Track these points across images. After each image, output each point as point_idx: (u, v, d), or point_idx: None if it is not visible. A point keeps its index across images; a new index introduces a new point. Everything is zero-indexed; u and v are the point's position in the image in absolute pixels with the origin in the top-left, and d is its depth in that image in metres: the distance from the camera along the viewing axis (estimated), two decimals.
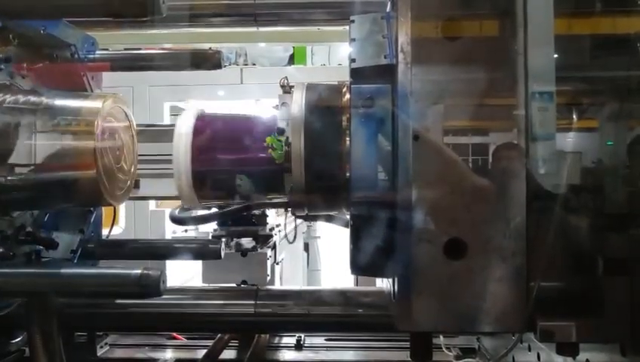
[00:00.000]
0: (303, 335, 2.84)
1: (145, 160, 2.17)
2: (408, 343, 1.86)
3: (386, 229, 1.72)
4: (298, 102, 2.01)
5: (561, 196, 1.58)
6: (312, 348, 2.80)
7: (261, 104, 5.29)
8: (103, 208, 2.44)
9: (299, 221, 3.53)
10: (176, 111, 5.62)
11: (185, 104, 5.42)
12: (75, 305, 2.27)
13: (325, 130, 1.97)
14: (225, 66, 2.51)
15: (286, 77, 2.16)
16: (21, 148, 1.76)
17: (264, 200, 2.27)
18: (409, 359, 1.88)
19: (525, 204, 1.57)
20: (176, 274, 3.75)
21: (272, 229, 2.89)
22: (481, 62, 1.62)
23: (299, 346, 2.79)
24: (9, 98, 1.80)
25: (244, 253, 2.71)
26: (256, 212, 2.73)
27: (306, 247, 5.73)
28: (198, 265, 2.83)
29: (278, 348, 2.82)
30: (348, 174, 1.85)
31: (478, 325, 1.62)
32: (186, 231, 3.66)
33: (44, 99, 1.83)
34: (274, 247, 2.92)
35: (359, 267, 1.84)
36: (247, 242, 2.76)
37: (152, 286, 1.60)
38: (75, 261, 2.18)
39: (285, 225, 2.92)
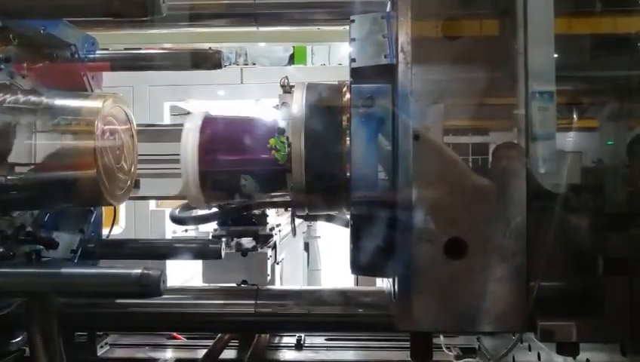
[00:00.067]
0: (303, 335, 2.84)
1: (145, 160, 2.16)
2: (408, 343, 1.86)
3: (386, 229, 1.72)
4: (298, 102, 2.01)
5: (561, 196, 1.58)
6: (312, 347, 2.80)
7: (261, 104, 5.30)
8: (103, 208, 2.45)
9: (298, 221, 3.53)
10: (176, 111, 5.63)
11: (185, 104, 5.43)
12: (75, 305, 2.27)
13: (325, 130, 1.97)
14: (225, 66, 2.50)
15: (286, 77, 2.16)
16: (21, 148, 1.76)
17: (265, 199, 2.28)
18: (409, 359, 1.88)
19: (525, 204, 1.57)
20: (176, 274, 3.75)
21: (272, 229, 2.89)
22: (482, 61, 1.62)
23: (299, 346, 2.79)
24: (9, 98, 1.80)
25: (244, 252, 2.71)
26: (257, 212, 2.74)
27: (306, 247, 5.73)
28: (198, 264, 2.83)
29: (278, 347, 2.82)
30: (348, 174, 1.85)
31: (479, 325, 1.62)
32: (186, 231, 3.67)
33: (44, 99, 1.83)
34: (274, 247, 2.92)
35: (359, 267, 1.84)
36: (247, 242, 2.76)
37: (152, 286, 1.60)
38: (75, 261, 2.18)
39: (290, 223, 2.92)
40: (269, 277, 2.78)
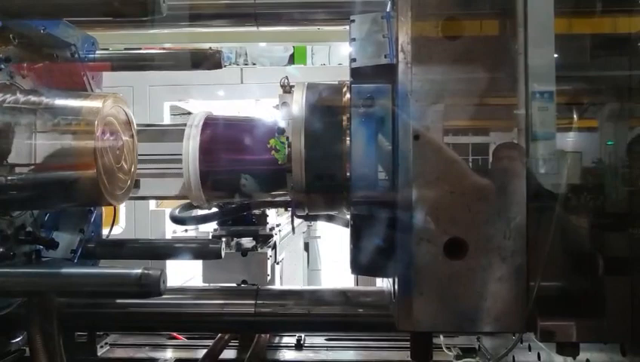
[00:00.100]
0: (303, 335, 2.84)
1: (145, 160, 2.16)
2: (408, 343, 1.86)
3: (386, 229, 1.72)
4: (298, 101, 2.01)
5: (561, 196, 1.58)
6: (312, 347, 2.80)
7: (261, 104, 5.30)
8: (103, 208, 2.45)
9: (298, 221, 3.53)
10: (176, 111, 5.62)
11: (185, 104, 5.42)
12: (75, 305, 2.27)
13: (325, 130, 1.97)
14: (225, 66, 2.50)
15: (286, 76, 2.16)
16: (21, 148, 1.76)
17: (265, 199, 2.29)
18: (409, 359, 1.88)
19: (525, 204, 1.57)
20: (176, 274, 3.75)
21: (272, 229, 2.89)
22: (482, 61, 1.62)
23: (299, 346, 2.79)
24: (9, 98, 1.80)
25: (244, 252, 2.71)
26: (257, 212, 2.74)
27: (306, 247, 5.74)
28: (198, 264, 2.83)
29: (278, 347, 2.82)
30: (348, 174, 1.85)
31: (479, 325, 1.62)
32: (186, 230, 3.67)
33: (45, 99, 1.83)
34: (274, 247, 2.92)
35: (360, 267, 1.85)
36: (247, 242, 2.76)
37: (153, 285, 1.61)
38: (76, 261, 2.18)
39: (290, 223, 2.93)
40: (269, 277, 2.78)
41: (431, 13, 1.64)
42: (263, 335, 2.74)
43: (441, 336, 2.62)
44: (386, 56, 1.79)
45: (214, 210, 2.52)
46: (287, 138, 2.01)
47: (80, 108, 1.82)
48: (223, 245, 2.33)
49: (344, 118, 1.95)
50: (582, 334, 1.56)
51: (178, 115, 5.75)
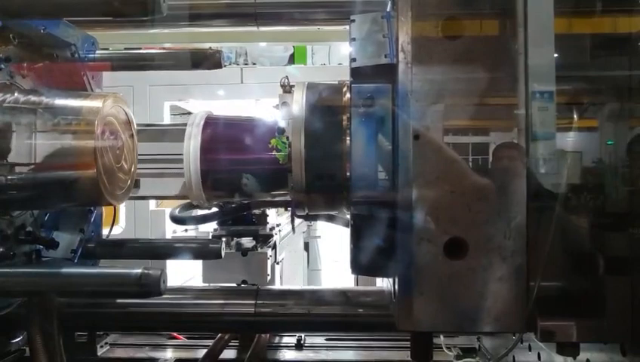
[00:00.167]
0: (303, 335, 2.84)
1: (145, 159, 2.16)
2: (408, 343, 1.86)
3: (386, 229, 1.72)
4: (298, 101, 2.01)
5: (561, 195, 1.58)
6: (312, 347, 2.80)
7: (261, 104, 5.30)
8: (103, 208, 2.45)
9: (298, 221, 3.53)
10: (176, 111, 5.62)
11: (185, 103, 5.42)
12: (76, 305, 2.27)
13: (326, 130, 1.97)
14: (225, 66, 2.50)
15: (286, 76, 2.16)
16: (21, 148, 1.76)
17: (266, 199, 2.30)
18: (409, 359, 1.88)
19: (525, 204, 1.57)
20: (176, 274, 3.75)
21: (272, 229, 2.89)
22: (482, 61, 1.62)
23: (299, 346, 2.79)
24: (9, 98, 1.80)
25: (244, 252, 2.71)
26: (257, 211, 2.74)
27: (306, 247, 5.73)
28: (198, 264, 2.83)
29: (278, 347, 2.82)
30: (348, 173, 1.85)
31: (479, 325, 1.62)
32: (186, 230, 3.66)
33: (45, 99, 1.83)
34: (274, 247, 2.92)
35: (360, 266, 1.85)
36: (247, 242, 2.76)
37: (153, 285, 1.60)
38: (76, 260, 2.18)
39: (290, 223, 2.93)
40: (269, 277, 2.77)
41: (431, 13, 1.64)
42: (263, 335, 2.74)
43: (442, 336, 2.62)
44: (386, 56, 1.79)
45: (214, 209, 2.52)
46: (288, 138, 2.01)
47: (80, 108, 1.82)
48: (223, 245, 2.32)
49: (344, 117, 1.95)
50: (582, 334, 1.56)
51: (178, 115, 5.75)
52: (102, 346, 2.77)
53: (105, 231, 2.48)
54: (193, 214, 2.56)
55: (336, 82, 2.13)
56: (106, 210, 2.50)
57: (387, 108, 1.77)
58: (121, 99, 1.95)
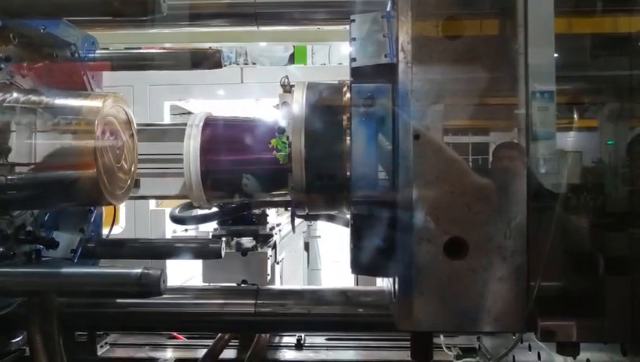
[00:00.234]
0: (303, 335, 2.83)
1: (145, 159, 2.16)
2: (408, 343, 1.86)
3: (386, 229, 1.72)
4: (299, 101, 2.01)
5: (561, 195, 1.58)
6: (312, 347, 2.80)
7: (261, 103, 5.30)
8: (103, 208, 2.44)
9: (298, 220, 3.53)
10: (176, 111, 5.62)
11: (185, 103, 5.42)
12: (76, 305, 2.27)
13: (326, 130, 1.97)
14: (225, 66, 2.50)
15: (286, 76, 2.16)
16: (21, 148, 1.76)
17: (266, 199, 2.30)
18: (409, 359, 1.88)
19: (526, 203, 1.57)
20: (176, 273, 3.75)
21: (272, 229, 2.89)
22: (482, 61, 1.62)
23: (299, 346, 2.79)
24: (9, 97, 1.80)
25: (244, 252, 2.71)
26: (257, 211, 2.74)
27: (306, 247, 5.73)
28: (198, 264, 2.83)
29: (278, 347, 2.82)
30: (348, 173, 1.85)
31: (479, 324, 1.62)
32: (186, 230, 3.67)
33: (45, 99, 1.83)
34: (274, 247, 2.92)
35: (360, 266, 1.84)
36: (247, 241, 2.76)
37: (153, 285, 1.61)
38: (76, 260, 2.18)
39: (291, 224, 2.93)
40: (269, 277, 2.78)
41: (431, 12, 1.64)
42: (263, 334, 2.74)
43: (442, 336, 2.62)
44: (386, 56, 1.79)
45: (214, 209, 2.52)
46: (288, 138, 2.01)
47: (80, 108, 1.82)
48: (223, 245, 2.32)
49: (344, 117, 1.95)
50: (582, 334, 1.56)
51: (178, 115, 5.75)
52: (102, 346, 2.77)
53: (105, 231, 2.48)
54: (193, 214, 2.56)
55: (337, 82, 2.13)
56: (106, 210, 2.50)
57: (387, 108, 1.77)
58: (121, 99, 1.95)
